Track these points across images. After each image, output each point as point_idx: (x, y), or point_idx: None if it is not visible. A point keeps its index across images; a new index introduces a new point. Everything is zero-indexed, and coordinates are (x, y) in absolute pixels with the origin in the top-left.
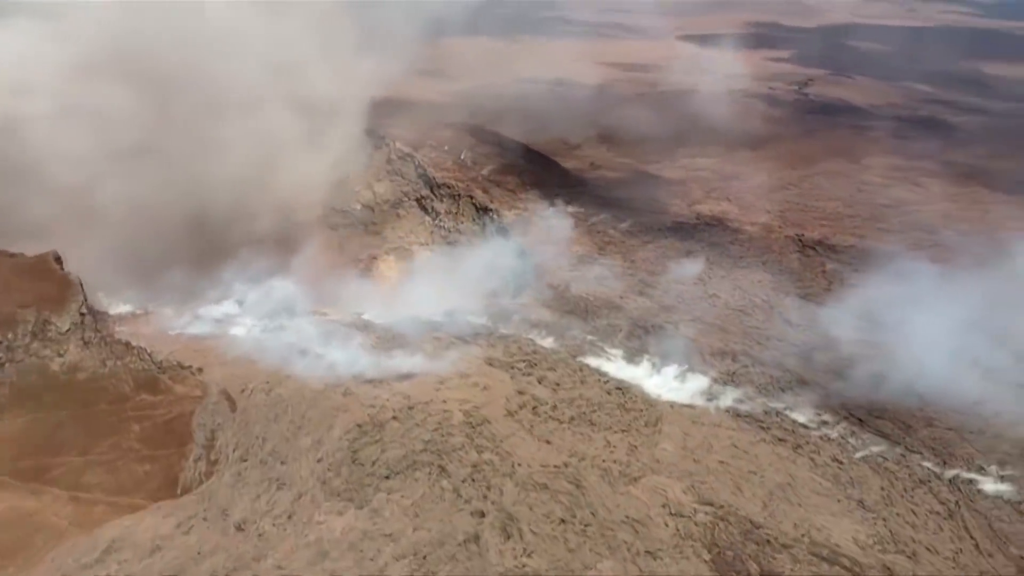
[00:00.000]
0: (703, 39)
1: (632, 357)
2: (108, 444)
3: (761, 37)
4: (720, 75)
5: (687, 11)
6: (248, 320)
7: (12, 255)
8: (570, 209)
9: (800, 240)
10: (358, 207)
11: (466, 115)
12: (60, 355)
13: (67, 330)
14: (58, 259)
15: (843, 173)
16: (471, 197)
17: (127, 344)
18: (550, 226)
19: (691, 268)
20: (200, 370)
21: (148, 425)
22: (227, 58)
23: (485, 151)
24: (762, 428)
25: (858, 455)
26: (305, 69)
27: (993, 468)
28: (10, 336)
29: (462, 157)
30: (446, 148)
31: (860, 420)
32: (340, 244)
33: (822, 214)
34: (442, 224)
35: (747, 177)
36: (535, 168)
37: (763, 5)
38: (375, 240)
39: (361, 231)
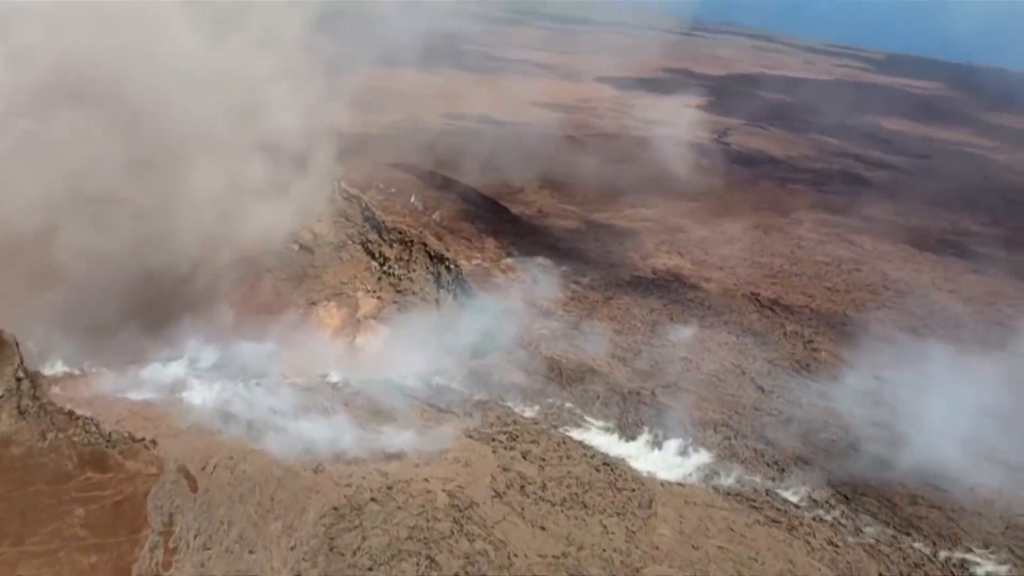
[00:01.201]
0: (620, 82)
1: (613, 428)
2: (47, 531)
3: (675, 83)
4: (644, 120)
5: (598, 52)
6: (200, 383)
7: None
8: (528, 261)
9: (757, 299)
10: (295, 248)
11: (397, 151)
12: None
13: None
14: None
15: (777, 227)
16: (424, 244)
17: (70, 413)
18: (510, 279)
19: (658, 329)
20: (154, 443)
21: (95, 508)
22: (196, 95)
23: (434, 195)
24: (754, 508)
25: (851, 539)
26: (272, 108)
27: (981, 550)
28: None
29: (412, 201)
30: (393, 190)
31: (846, 497)
32: (274, 288)
33: (769, 271)
34: (391, 271)
35: (691, 230)
36: (487, 214)
37: (670, 52)
38: (314, 284)
39: (298, 274)
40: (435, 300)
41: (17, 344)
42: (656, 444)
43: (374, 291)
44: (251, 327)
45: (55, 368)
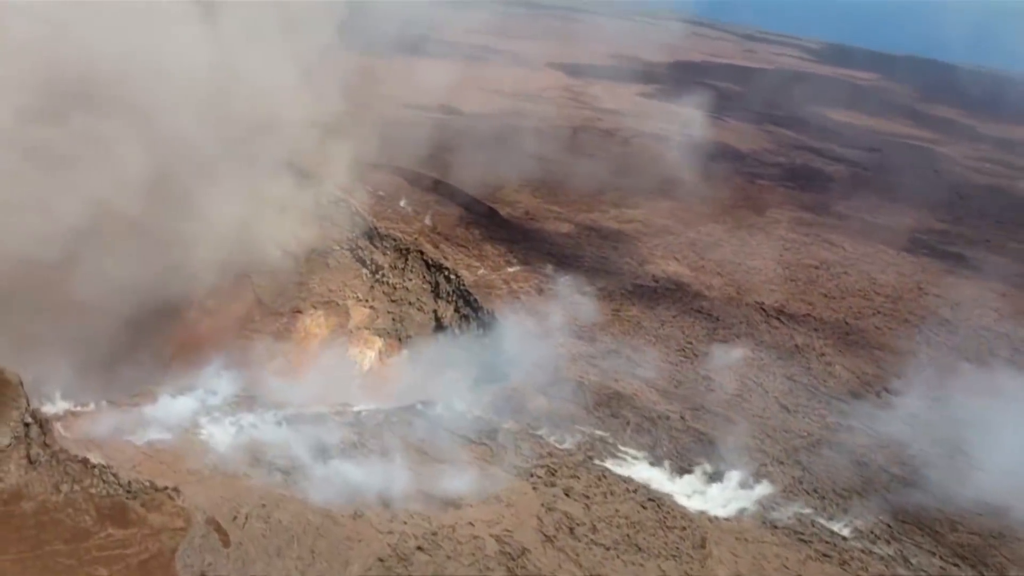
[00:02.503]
0: (573, 69)
1: (649, 458)
2: None
3: (627, 71)
4: (605, 109)
5: (549, 38)
6: (216, 418)
7: None
8: (529, 270)
9: (762, 308)
10: (277, 253)
11: (362, 143)
12: None
13: (7, 445)
14: None
15: (758, 227)
16: (421, 252)
17: (85, 462)
18: (513, 290)
19: (672, 344)
20: (177, 491)
21: (119, 569)
22: (214, 106)
23: (422, 197)
24: (803, 541)
25: (902, 572)
26: (287, 124)
27: None
28: None
29: (401, 204)
30: (381, 193)
31: (888, 525)
32: (255, 296)
33: (765, 277)
34: (385, 279)
35: (678, 232)
36: (479, 219)
37: (614, 38)
38: (299, 292)
39: (281, 281)
40: (432, 311)
41: (22, 384)
42: (680, 475)
43: (366, 300)
44: (242, 347)
45: (56, 405)
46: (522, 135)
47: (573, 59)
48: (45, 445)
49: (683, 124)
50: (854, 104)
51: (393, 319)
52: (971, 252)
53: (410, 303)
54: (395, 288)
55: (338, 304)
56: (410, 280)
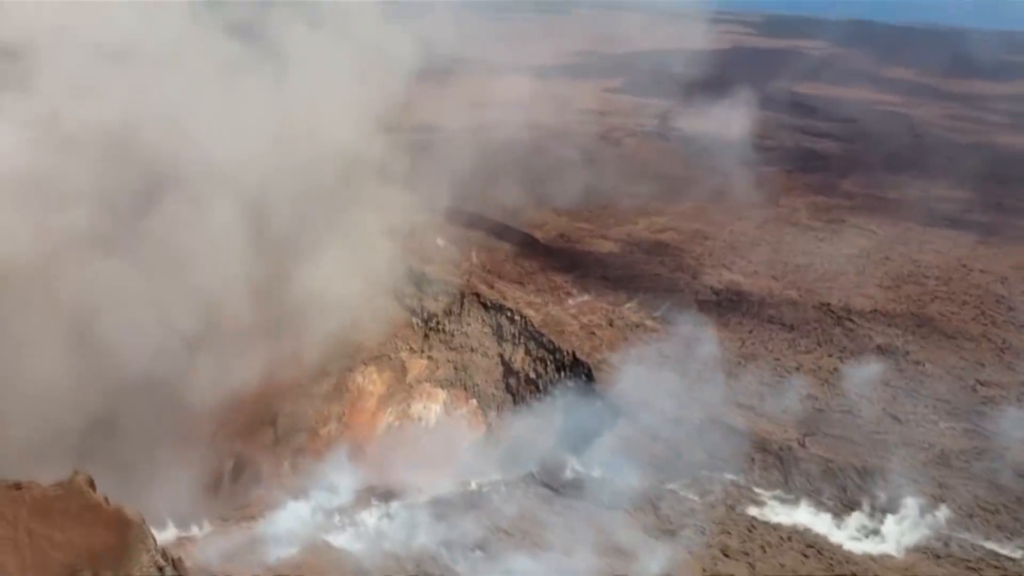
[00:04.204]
0: (538, 71)
1: (786, 497)
2: None
3: (588, 67)
4: (579, 111)
5: (504, 40)
6: (336, 520)
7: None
8: (591, 300)
9: (830, 310)
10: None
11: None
12: None
13: None
14: (90, 482)
15: (782, 219)
16: (477, 295)
17: None
18: (585, 325)
19: (761, 364)
20: None
21: None
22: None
23: (458, 232)
24: (972, 569)
25: None
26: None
27: None
28: None
29: (439, 243)
30: (414, 231)
31: None
32: (294, 354)
33: (815, 273)
34: (440, 327)
35: (712, 235)
36: (524, 250)
37: (565, 33)
38: (345, 348)
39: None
40: (499, 355)
41: (145, 522)
42: (824, 511)
43: (421, 351)
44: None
45: (166, 532)
46: (512, 149)
47: (533, 61)
48: None
49: (661, 118)
50: (814, 75)
51: (455, 368)
52: (989, 217)
53: (472, 349)
54: (453, 335)
55: (390, 357)
56: (469, 325)
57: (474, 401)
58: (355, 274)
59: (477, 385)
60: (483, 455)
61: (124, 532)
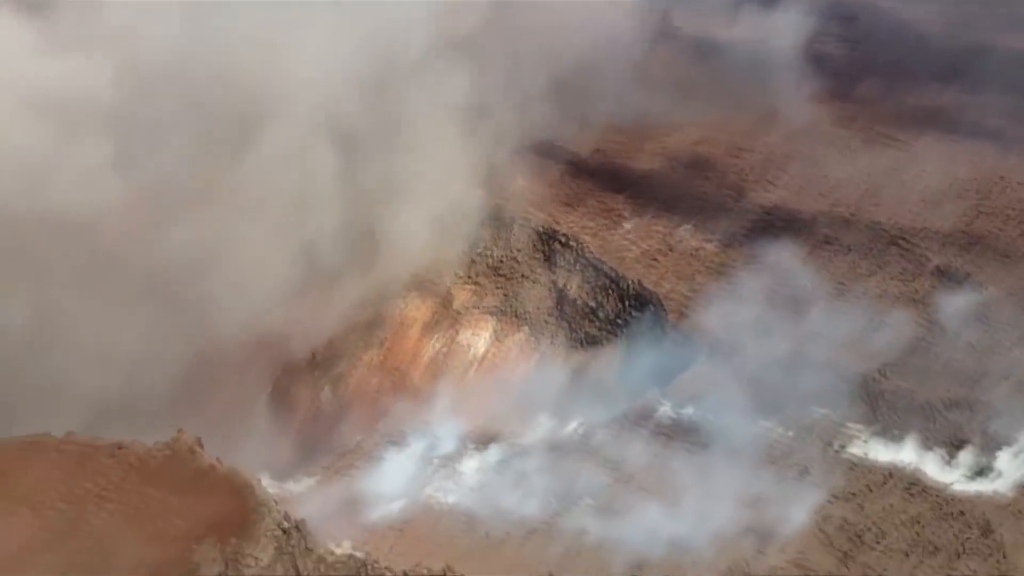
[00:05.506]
0: None
1: (881, 434)
2: None
3: None
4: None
5: None
6: (432, 471)
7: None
8: (645, 223)
9: (882, 228)
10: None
11: None
12: None
13: (271, 561)
14: (198, 443)
15: (813, 131)
16: (526, 219)
17: (353, 560)
18: (646, 251)
19: (827, 289)
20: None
21: None
22: None
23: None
24: None
25: None
26: None
27: None
28: None
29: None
30: None
31: None
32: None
33: (858, 190)
34: (487, 252)
35: (749, 147)
36: (561, 164)
37: None
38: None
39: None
40: (551, 282)
41: (262, 484)
42: (925, 448)
43: (468, 277)
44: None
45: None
46: (519, 51)
47: None
48: (308, 550)
49: (662, 16)
50: None
51: (505, 295)
52: (1018, 128)
53: (523, 276)
54: (501, 261)
55: (433, 283)
56: (519, 251)
57: (526, 328)
58: (403, 199)
59: (528, 313)
60: (559, 391)
61: (243, 496)
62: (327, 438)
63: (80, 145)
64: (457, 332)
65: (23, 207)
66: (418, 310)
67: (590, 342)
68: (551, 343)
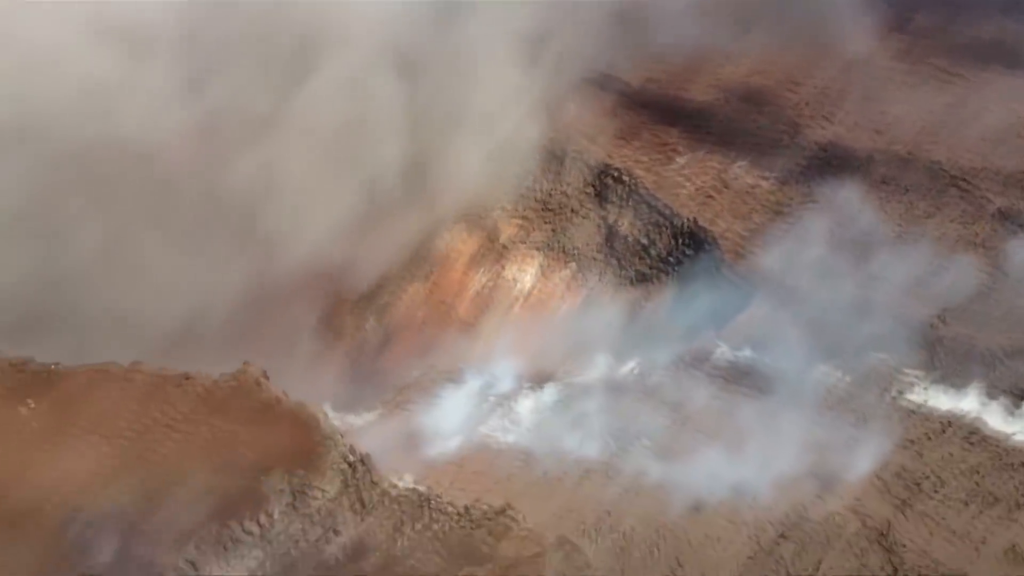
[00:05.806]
0: None
1: (941, 381)
2: None
3: None
4: None
5: None
6: (496, 408)
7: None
8: (698, 159)
9: (941, 168)
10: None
11: None
12: (335, 533)
13: (337, 494)
14: (264, 375)
15: (868, 63)
16: (579, 153)
17: (415, 493)
18: (700, 188)
19: (881, 231)
20: (514, 511)
21: None
22: None
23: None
24: None
25: None
26: None
27: None
28: (262, 521)
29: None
30: None
31: None
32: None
33: (915, 127)
34: (536, 186)
35: (802, 80)
36: (623, 99)
37: None
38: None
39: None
40: (601, 218)
41: (328, 417)
42: (983, 396)
43: (514, 211)
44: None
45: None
46: None
47: None
48: (373, 484)
49: None
50: None
51: (553, 230)
52: None
53: (573, 211)
54: (549, 195)
55: (480, 216)
56: (568, 185)
57: (573, 265)
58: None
59: (577, 249)
60: (612, 330)
61: (310, 429)
62: (372, 371)
63: (146, 72)
64: (503, 267)
65: (92, 134)
66: (464, 243)
67: (640, 280)
68: (599, 280)
